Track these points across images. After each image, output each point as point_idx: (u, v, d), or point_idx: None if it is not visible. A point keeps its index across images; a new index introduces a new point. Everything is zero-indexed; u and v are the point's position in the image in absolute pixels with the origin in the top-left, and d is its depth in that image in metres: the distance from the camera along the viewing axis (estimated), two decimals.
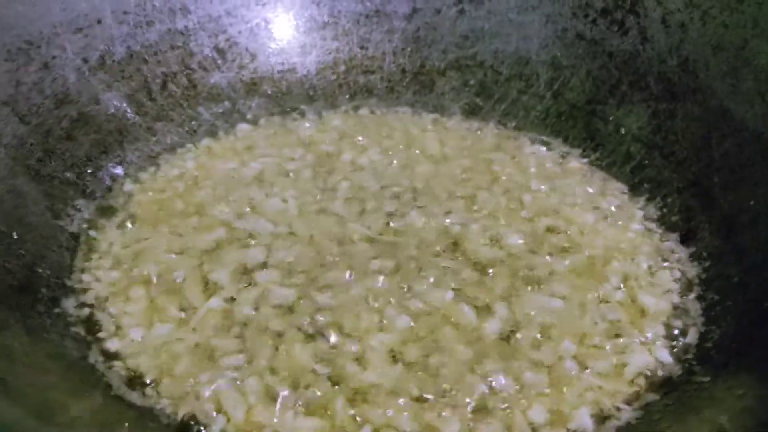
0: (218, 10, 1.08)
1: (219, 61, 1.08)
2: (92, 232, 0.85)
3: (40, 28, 0.90)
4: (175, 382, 0.68)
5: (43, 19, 0.91)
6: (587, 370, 0.70)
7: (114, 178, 0.93)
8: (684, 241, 0.85)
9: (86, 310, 0.75)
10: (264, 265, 0.80)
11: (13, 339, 0.64)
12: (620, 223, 0.89)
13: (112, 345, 0.71)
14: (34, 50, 0.89)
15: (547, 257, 0.82)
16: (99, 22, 0.97)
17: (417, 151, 1.00)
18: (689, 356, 0.72)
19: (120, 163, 0.95)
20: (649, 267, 0.82)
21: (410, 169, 0.97)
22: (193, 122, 1.04)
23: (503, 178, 0.96)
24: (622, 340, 0.73)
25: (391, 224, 0.86)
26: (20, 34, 0.88)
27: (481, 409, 0.66)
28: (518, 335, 0.73)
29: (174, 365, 0.69)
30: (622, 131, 0.99)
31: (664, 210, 0.89)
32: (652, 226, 0.88)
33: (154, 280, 0.78)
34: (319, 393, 0.67)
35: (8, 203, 0.78)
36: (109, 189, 0.91)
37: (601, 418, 0.66)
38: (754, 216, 0.79)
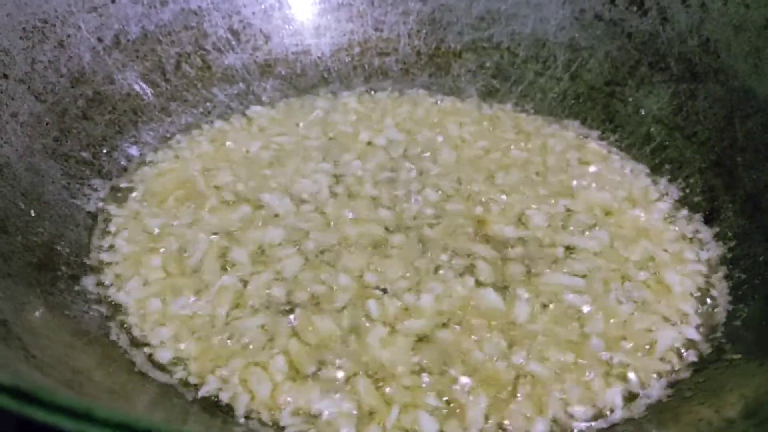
0: None
1: (233, 42, 1.07)
2: (109, 211, 0.84)
3: (54, 6, 0.89)
4: (199, 359, 0.67)
5: None
6: (615, 349, 0.69)
7: (129, 158, 0.92)
8: (708, 221, 0.84)
9: (106, 288, 0.74)
10: (284, 245, 0.79)
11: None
12: (642, 204, 0.88)
13: (132, 323, 0.71)
14: (49, 29, 0.88)
15: (570, 238, 0.82)
16: (113, 1, 0.96)
17: (435, 133, 0.99)
18: (718, 334, 0.71)
19: (135, 143, 0.94)
20: (674, 247, 0.82)
21: (430, 150, 0.96)
22: (208, 103, 1.03)
23: (522, 160, 0.95)
24: (648, 318, 0.73)
25: (415, 207, 0.85)
26: (35, 12, 0.87)
27: (510, 389, 0.65)
28: (545, 314, 0.72)
29: (196, 343, 0.68)
30: (642, 112, 0.98)
31: (687, 190, 0.89)
32: (675, 206, 0.88)
33: (173, 257, 0.78)
34: (343, 372, 0.66)
35: (26, 181, 0.77)
36: (125, 169, 0.90)
37: (631, 396, 0.65)
38: None
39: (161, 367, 0.66)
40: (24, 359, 0.52)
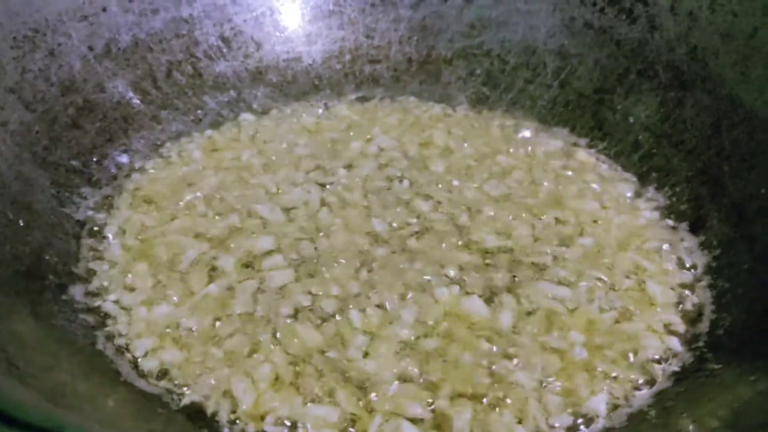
0: None
1: (224, 50, 1.07)
2: (98, 219, 0.84)
3: (45, 15, 0.90)
4: (184, 368, 0.67)
5: (49, 6, 0.90)
6: (598, 358, 0.69)
7: (119, 166, 0.93)
8: (694, 229, 0.85)
9: (93, 298, 0.74)
10: (272, 254, 0.80)
11: (21, 325, 0.64)
12: (629, 212, 0.88)
13: (118, 332, 0.71)
14: (39, 37, 0.88)
15: (555, 246, 0.82)
16: (104, 9, 0.96)
17: (424, 141, 1.00)
18: (700, 344, 0.71)
19: (125, 152, 0.94)
20: (659, 256, 0.82)
21: (418, 159, 0.96)
22: (199, 111, 1.03)
23: (511, 168, 0.95)
24: (632, 327, 0.73)
25: (403, 216, 0.85)
26: (26, 21, 0.87)
27: (493, 398, 0.65)
28: (528, 323, 0.72)
29: (181, 352, 0.69)
30: (631, 120, 0.98)
31: (673, 199, 0.89)
32: (661, 215, 0.88)
33: (161, 266, 0.78)
34: (325, 381, 0.66)
35: (15, 190, 0.77)
36: (114, 177, 0.91)
37: (613, 405, 0.66)
38: (765, 204, 0.79)
39: (146, 377, 0.67)
40: (6, 371, 0.52)
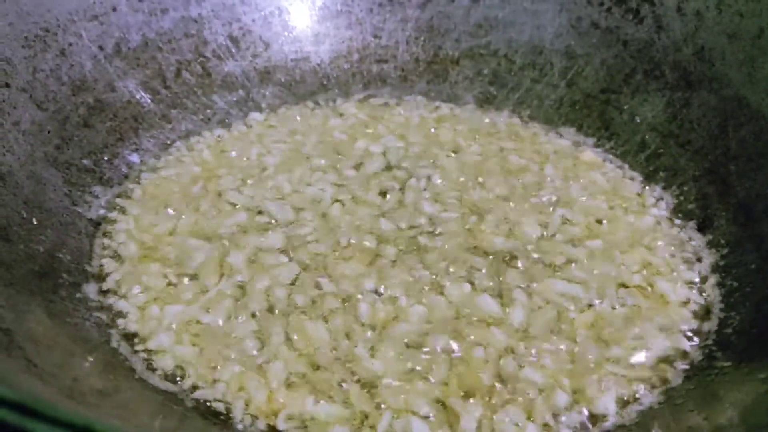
0: None
1: (233, 50, 1.08)
2: (110, 218, 0.85)
3: (56, 15, 0.90)
4: (197, 365, 0.68)
5: (60, 6, 0.91)
6: (608, 355, 0.70)
7: (130, 165, 0.93)
8: (701, 228, 0.85)
9: (107, 296, 0.75)
10: (282, 251, 0.80)
11: (37, 323, 0.64)
12: (636, 211, 0.89)
13: (132, 330, 0.72)
14: (50, 37, 0.89)
15: (565, 245, 0.83)
16: (114, 9, 0.97)
17: (432, 140, 1.00)
18: (709, 342, 0.72)
19: (136, 151, 0.95)
20: (667, 254, 0.82)
21: (425, 158, 0.96)
22: (208, 110, 1.04)
23: (518, 168, 0.96)
24: (642, 326, 0.73)
25: (411, 216, 0.86)
26: (37, 21, 0.88)
27: (503, 396, 0.66)
28: (538, 322, 0.73)
29: (195, 349, 0.69)
30: (637, 120, 0.99)
31: (681, 198, 0.89)
32: (669, 214, 0.88)
33: (173, 263, 0.79)
34: (336, 378, 0.67)
35: (27, 189, 0.78)
36: (126, 176, 0.92)
37: (623, 402, 0.66)
38: None
39: (161, 374, 0.67)
40: (25, 368, 0.53)
